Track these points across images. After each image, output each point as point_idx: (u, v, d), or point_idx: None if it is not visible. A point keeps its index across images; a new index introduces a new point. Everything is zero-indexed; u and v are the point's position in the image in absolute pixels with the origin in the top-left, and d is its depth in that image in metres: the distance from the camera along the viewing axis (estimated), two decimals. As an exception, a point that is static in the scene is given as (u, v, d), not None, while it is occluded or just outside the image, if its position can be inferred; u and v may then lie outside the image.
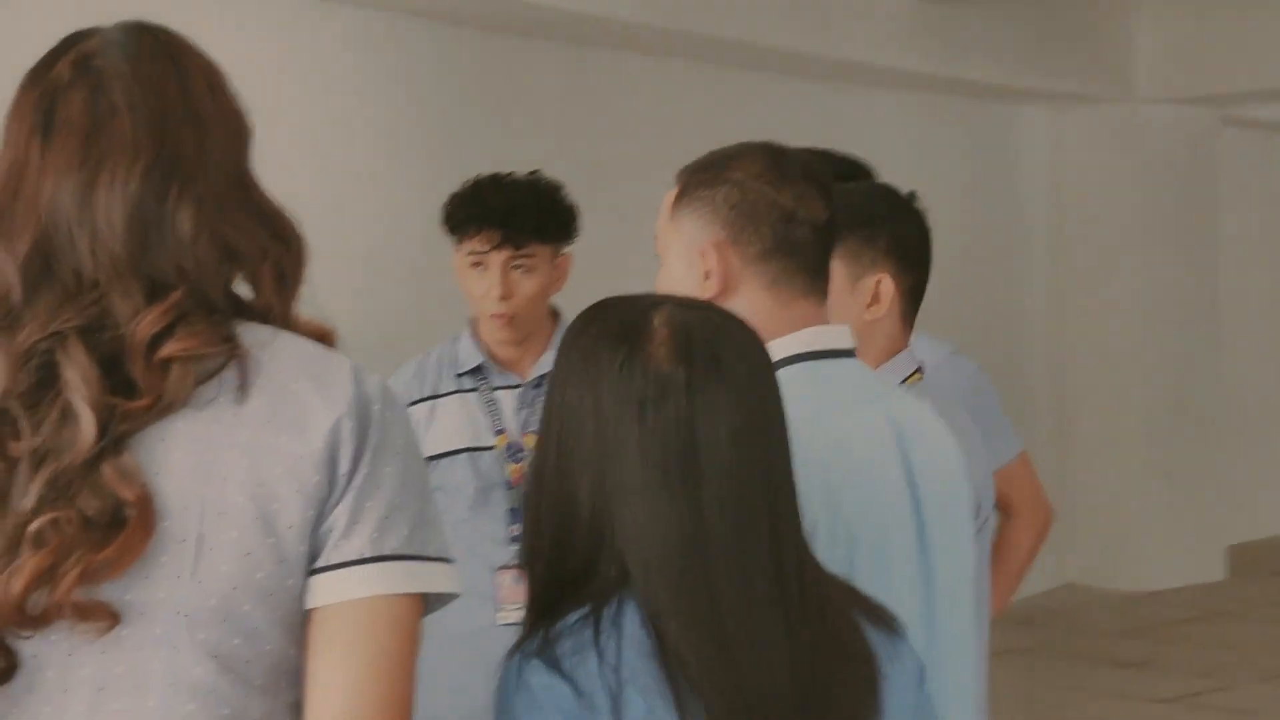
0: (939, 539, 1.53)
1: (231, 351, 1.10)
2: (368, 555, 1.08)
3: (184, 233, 1.10)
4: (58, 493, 1.03)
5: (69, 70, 1.12)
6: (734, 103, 4.90)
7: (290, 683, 1.09)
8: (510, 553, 2.35)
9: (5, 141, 1.13)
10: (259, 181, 1.18)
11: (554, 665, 1.16)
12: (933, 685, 1.37)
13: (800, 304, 1.52)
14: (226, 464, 1.08)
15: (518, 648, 1.18)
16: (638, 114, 4.81)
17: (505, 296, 2.37)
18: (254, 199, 1.17)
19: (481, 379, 2.47)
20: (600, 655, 1.16)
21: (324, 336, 1.18)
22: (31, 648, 1.05)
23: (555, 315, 2.52)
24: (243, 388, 1.09)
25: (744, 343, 1.24)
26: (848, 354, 1.56)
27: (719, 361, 1.21)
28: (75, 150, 1.10)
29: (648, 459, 1.19)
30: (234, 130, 1.17)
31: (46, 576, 1.02)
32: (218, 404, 1.09)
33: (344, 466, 1.09)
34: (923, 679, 1.29)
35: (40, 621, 1.03)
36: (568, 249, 2.50)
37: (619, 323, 1.23)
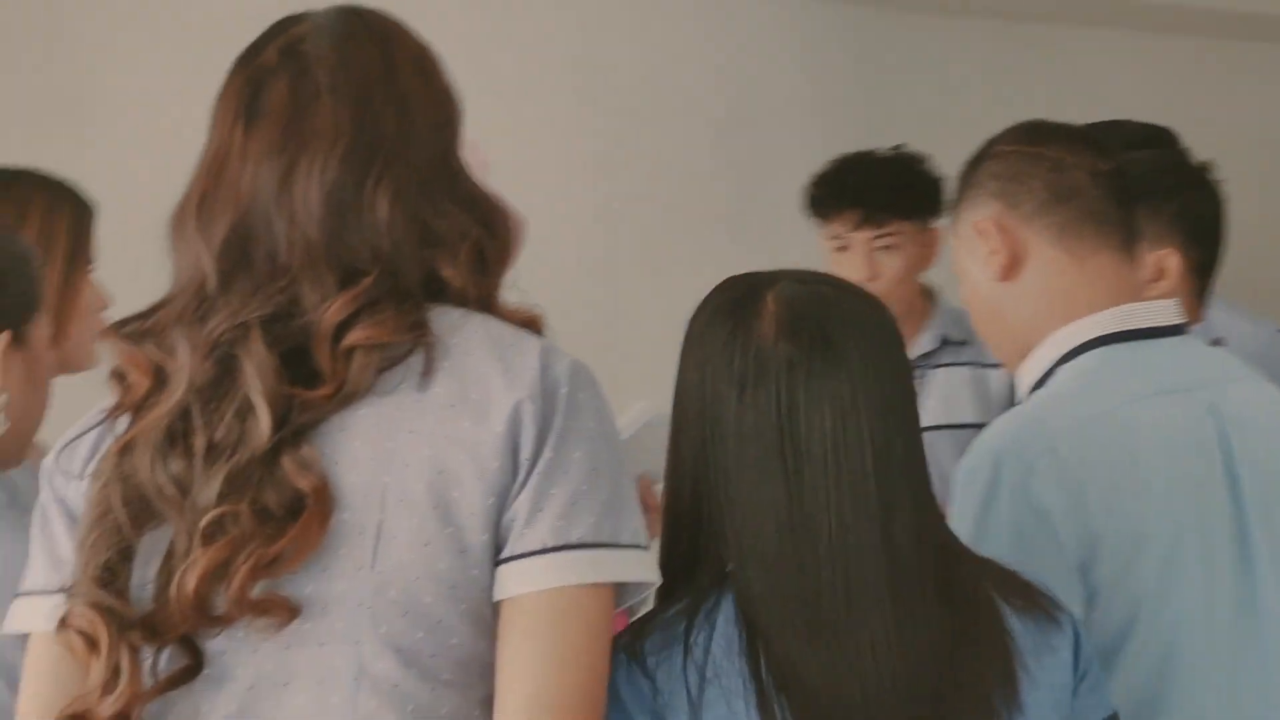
0: (1269, 551, 1.38)
1: (418, 337, 1.07)
2: (550, 545, 1.04)
3: (381, 216, 1.08)
4: (236, 487, 1.02)
5: (276, 55, 1.11)
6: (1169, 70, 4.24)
7: (482, 677, 1.05)
8: None
9: (212, 127, 1.12)
10: (467, 167, 1.16)
11: (639, 661, 1.13)
12: None
13: (1098, 258, 1.42)
14: (407, 451, 1.05)
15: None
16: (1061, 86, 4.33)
17: (871, 278, 2.28)
18: (460, 184, 1.14)
19: None
20: (687, 652, 1.12)
21: (529, 323, 1.15)
22: (218, 645, 1.04)
23: (931, 295, 2.43)
24: (427, 373, 1.06)
25: (861, 319, 1.18)
26: (1171, 331, 1.43)
27: (828, 339, 1.16)
28: (276, 136, 1.09)
29: (745, 440, 1.15)
30: (442, 115, 1.15)
31: (220, 572, 1.01)
32: (401, 390, 1.06)
33: (526, 452, 1.05)
34: (1087, 674, 1.20)
35: (222, 620, 1.02)
36: (937, 223, 2.39)
37: (733, 298, 1.20)
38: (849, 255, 2.33)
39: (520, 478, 1.05)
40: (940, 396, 2.31)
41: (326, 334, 1.05)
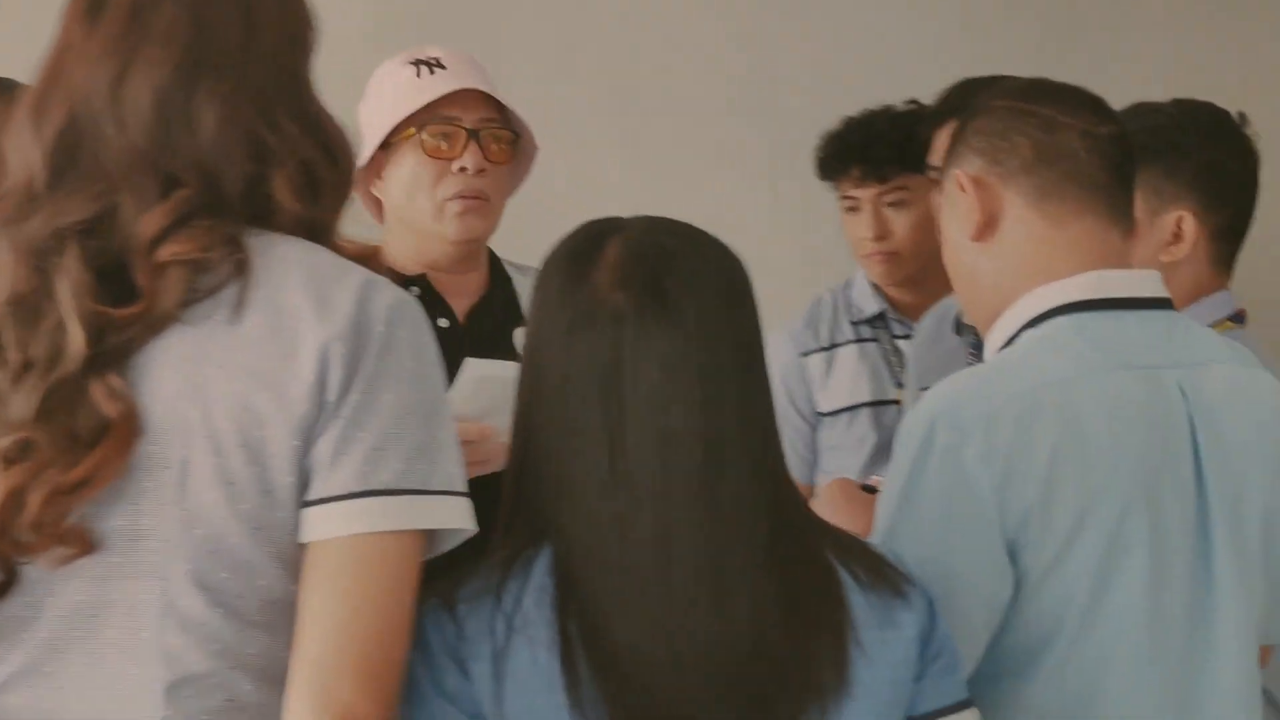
0: (1231, 547, 1.32)
1: (236, 262, 1.06)
2: (354, 490, 1.04)
3: (208, 126, 1.07)
4: (48, 408, 1.02)
5: None
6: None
7: (292, 619, 1.05)
8: None
9: (59, 23, 1.11)
10: (316, 91, 1.14)
11: (449, 607, 1.13)
12: None
13: (1078, 224, 1.35)
14: (214, 386, 1.04)
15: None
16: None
17: (881, 237, 2.20)
18: (303, 103, 1.13)
19: (881, 327, 2.30)
20: (498, 601, 1.13)
21: (365, 256, 1.13)
22: (34, 572, 1.04)
23: None
24: (239, 305, 1.05)
25: (704, 273, 1.16)
26: (1150, 304, 1.37)
27: (662, 291, 1.13)
28: (114, 35, 1.08)
29: (568, 390, 1.14)
30: (291, 32, 1.14)
31: (17, 497, 1.00)
32: (213, 322, 1.05)
33: (332, 393, 1.04)
34: (939, 657, 1.17)
35: (26, 548, 1.02)
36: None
37: (578, 242, 1.18)
38: (860, 215, 2.24)
39: (325, 419, 1.04)
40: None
41: (142, 247, 1.04)
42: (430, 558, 1.10)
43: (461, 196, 1.74)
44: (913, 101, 2.28)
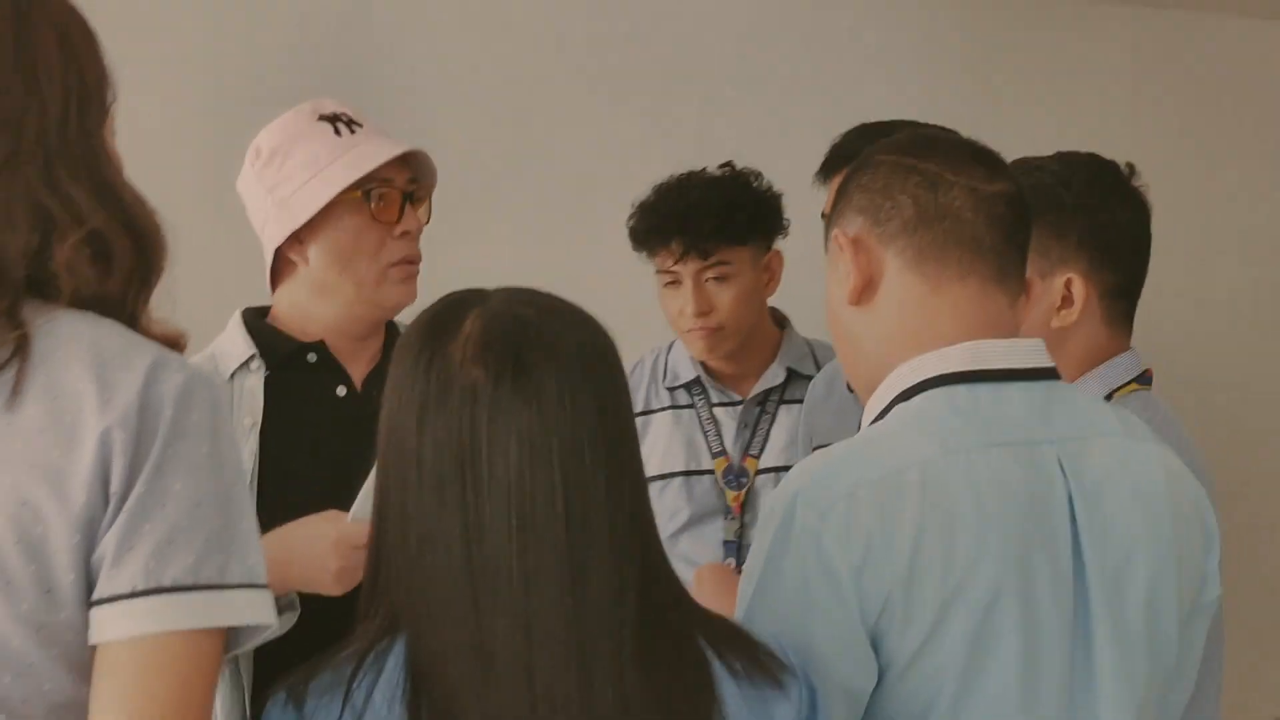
0: (1112, 634, 1.27)
1: (15, 342, 1.02)
2: (140, 588, 1.01)
3: None
4: None
5: None
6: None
7: None
8: None
9: None
10: (115, 159, 1.11)
11: (297, 703, 1.10)
12: None
13: (960, 287, 1.29)
14: None
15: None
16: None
17: (704, 313, 2.11)
18: (95, 167, 1.09)
19: (699, 393, 2.22)
20: (347, 697, 1.09)
21: (168, 339, 1.09)
22: None
23: (781, 322, 2.26)
24: (16, 391, 1.01)
25: (565, 346, 1.12)
26: (1032, 375, 1.31)
27: (521, 365, 1.11)
28: None
29: (423, 471, 1.10)
30: (83, 92, 1.09)
31: None
32: None
33: (116, 484, 1.01)
34: None
35: None
36: (777, 243, 2.22)
37: (437, 314, 1.15)
38: (680, 290, 2.14)
39: (109, 513, 1.01)
40: (786, 436, 2.15)
41: None
42: (232, 654, 1.07)
43: (406, 262, 1.70)
44: (726, 164, 2.21)
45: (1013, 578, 1.23)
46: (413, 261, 1.73)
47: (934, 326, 1.29)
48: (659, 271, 2.16)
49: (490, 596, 1.08)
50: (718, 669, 1.12)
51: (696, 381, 2.21)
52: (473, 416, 1.09)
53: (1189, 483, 1.35)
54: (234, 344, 1.76)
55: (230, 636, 1.07)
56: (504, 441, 1.09)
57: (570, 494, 1.09)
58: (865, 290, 1.32)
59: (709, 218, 2.10)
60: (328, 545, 1.55)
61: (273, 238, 1.70)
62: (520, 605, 1.08)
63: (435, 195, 1.85)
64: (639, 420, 2.14)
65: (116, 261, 1.08)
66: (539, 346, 1.11)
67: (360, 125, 1.73)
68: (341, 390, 1.73)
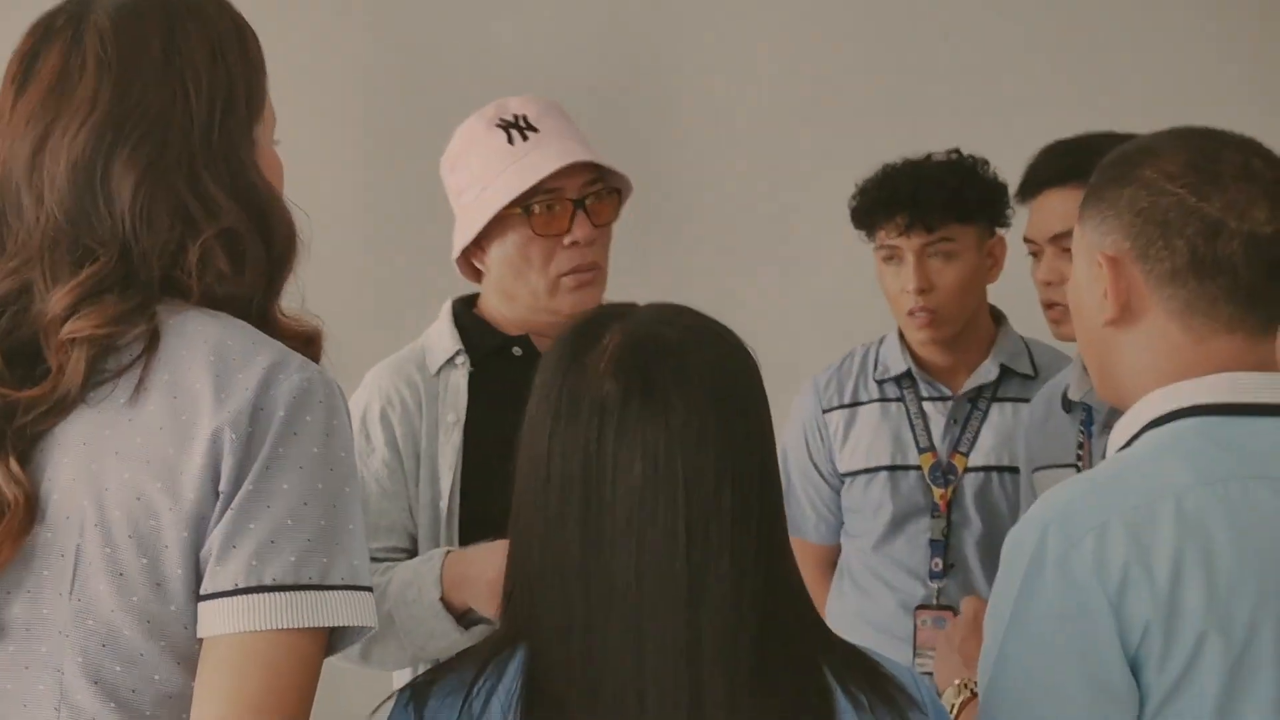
0: None
1: (146, 338, 1.05)
2: (241, 585, 1.02)
3: (124, 196, 1.07)
4: None
5: (62, 20, 1.11)
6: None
7: (189, 715, 1.05)
8: (932, 589, 2.10)
9: None
10: (254, 161, 1.13)
11: (419, 704, 1.12)
12: None
13: (1220, 340, 1.27)
14: (110, 474, 1.05)
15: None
16: None
17: (924, 290, 2.08)
18: (238, 173, 1.11)
19: (909, 386, 2.20)
20: (466, 702, 1.11)
21: (303, 338, 1.12)
22: None
23: (998, 318, 2.22)
24: (140, 387, 1.04)
25: (699, 365, 1.12)
26: None
27: (650, 382, 1.10)
28: (37, 104, 1.09)
29: (551, 480, 1.11)
30: (229, 98, 1.12)
31: None
32: (114, 404, 1.05)
33: (225, 483, 1.03)
34: None
35: None
36: (1001, 231, 2.19)
37: (583, 325, 1.16)
38: (900, 266, 2.12)
39: (218, 510, 1.03)
40: (997, 435, 2.12)
41: (49, 326, 1.05)
42: (333, 655, 1.09)
43: (577, 271, 1.70)
44: (954, 151, 2.19)
45: (1270, 613, 1.20)
46: (586, 269, 1.73)
47: (1190, 370, 1.27)
48: (879, 248, 2.16)
49: (604, 615, 1.09)
50: (841, 701, 1.10)
51: (907, 374, 2.19)
52: (600, 431, 1.10)
53: None
54: (441, 338, 1.80)
55: (334, 637, 1.08)
56: (629, 459, 1.09)
57: (692, 517, 1.09)
58: (1123, 320, 1.29)
59: (939, 192, 2.10)
60: (494, 570, 1.58)
61: (456, 243, 1.75)
62: (634, 627, 1.08)
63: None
64: (845, 412, 2.23)
65: (246, 260, 1.11)
66: (671, 365, 1.11)
67: (536, 130, 1.73)
68: None
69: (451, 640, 1.60)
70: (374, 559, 1.75)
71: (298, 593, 1.03)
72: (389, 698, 1.25)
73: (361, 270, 2.95)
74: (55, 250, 1.08)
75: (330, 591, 1.04)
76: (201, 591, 1.04)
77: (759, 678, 1.08)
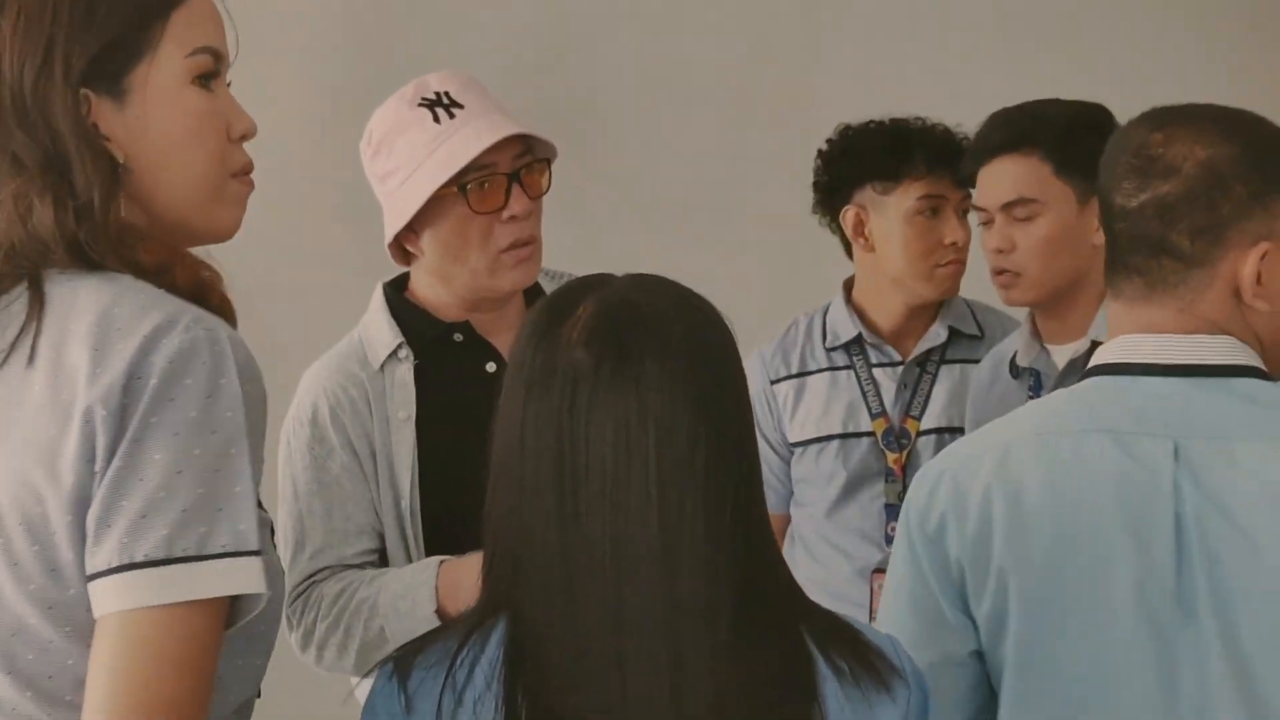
0: (1217, 631, 1.28)
1: (28, 310, 1.07)
2: (115, 564, 1.03)
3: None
4: None
5: None
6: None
7: None
8: (889, 553, 2.09)
9: None
10: (76, 111, 1.15)
11: (402, 676, 1.15)
12: None
13: (1136, 306, 1.37)
14: (2, 454, 1.06)
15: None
16: None
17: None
18: (47, 124, 1.14)
19: (859, 353, 2.22)
20: (449, 673, 1.14)
21: (200, 285, 1.14)
22: None
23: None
24: (30, 362, 1.06)
25: (671, 331, 1.15)
26: (1185, 371, 1.32)
27: (625, 349, 1.13)
28: None
29: (526, 448, 1.14)
30: (43, 60, 1.15)
31: None
32: (8, 373, 1.07)
33: (100, 461, 1.03)
34: None
35: None
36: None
37: (559, 297, 1.19)
38: (940, 218, 2.13)
39: (93, 490, 1.04)
40: (947, 396, 2.17)
41: None
42: (233, 626, 1.08)
43: (515, 246, 1.71)
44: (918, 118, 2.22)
45: (1070, 556, 1.29)
46: (525, 244, 1.74)
47: (1119, 334, 1.36)
48: (922, 198, 2.14)
49: (584, 581, 1.10)
50: (821, 667, 1.13)
51: (857, 340, 2.20)
52: (573, 400, 1.12)
53: None
54: (380, 330, 1.80)
55: (235, 606, 1.08)
56: (601, 426, 1.11)
57: (665, 484, 1.11)
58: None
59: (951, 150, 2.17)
60: (430, 585, 1.66)
61: (388, 229, 1.75)
62: (613, 593, 1.10)
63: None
64: (793, 383, 2.25)
65: (82, 204, 1.11)
66: (645, 333, 1.13)
67: (462, 106, 1.73)
68: (491, 366, 1.77)
69: None
70: (349, 565, 1.80)
71: (171, 566, 1.03)
72: (369, 672, 1.28)
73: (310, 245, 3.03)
74: None
75: (209, 561, 1.04)
76: (87, 573, 1.04)
77: (739, 643, 1.10)
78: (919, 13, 3.36)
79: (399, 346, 1.78)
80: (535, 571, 1.13)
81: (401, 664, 1.16)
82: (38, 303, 1.09)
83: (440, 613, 1.63)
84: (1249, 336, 1.36)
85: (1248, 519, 1.28)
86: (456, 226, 1.72)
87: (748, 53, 3.36)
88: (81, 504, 1.05)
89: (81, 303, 1.09)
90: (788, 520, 2.25)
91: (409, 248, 1.77)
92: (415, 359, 1.78)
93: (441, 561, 1.67)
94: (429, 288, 1.80)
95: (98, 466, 1.04)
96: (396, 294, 1.83)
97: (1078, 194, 1.89)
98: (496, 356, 1.79)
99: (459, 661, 1.13)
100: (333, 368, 1.81)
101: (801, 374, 2.25)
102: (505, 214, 1.70)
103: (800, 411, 2.23)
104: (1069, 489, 1.31)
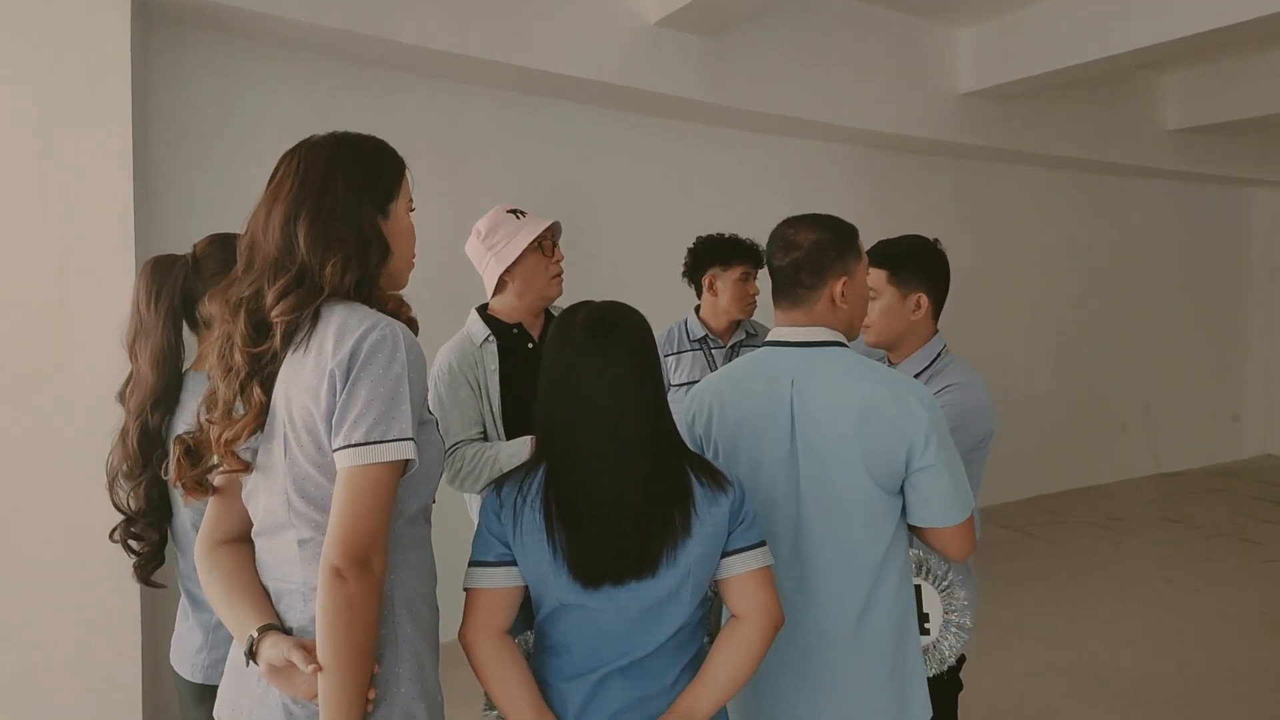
0: (809, 473, 1.87)
1: (309, 321, 1.45)
2: (341, 444, 1.45)
3: (302, 238, 1.51)
4: (236, 393, 1.50)
5: (293, 149, 1.59)
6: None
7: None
8: None
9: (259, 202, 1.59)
10: (372, 213, 1.58)
11: (498, 489, 1.65)
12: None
13: (782, 313, 2.01)
14: (295, 400, 1.48)
15: None
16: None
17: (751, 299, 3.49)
18: (358, 225, 1.55)
19: (703, 343, 3.61)
20: (519, 488, 1.63)
21: (394, 301, 1.56)
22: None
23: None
24: (306, 348, 1.47)
25: (625, 325, 1.63)
26: (800, 344, 1.92)
27: (603, 336, 1.60)
28: (269, 194, 1.56)
29: (553, 383, 1.63)
30: (359, 182, 1.58)
31: (216, 434, 1.51)
32: (297, 356, 1.47)
33: (336, 396, 1.45)
34: (743, 521, 1.68)
35: (224, 457, 1.53)
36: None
37: (569, 311, 1.66)
38: (748, 284, 3.49)
39: (334, 409, 1.45)
40: None
41: (268, 310, 1.50)
42: (405, 474, 1.51)
43: (558, 275, 2.74)
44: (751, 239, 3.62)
45: (747, 436, 1.89)
46: (560, 274, 2.71)
47: (781, 327, 1.98)
48: (743, 275, 3.47)
49: (584, 441, 1.58)
50: (692, 478, 1.64)
51: (704, 337, 3.62)
52: (576, 357, 1.60)
53: (887, 403, 1.86)
54: (478, 327, 2.72)
55: (403, 467, 1.47)
56: (589, 371, 1.59)
57: (621, 396, 1.59)
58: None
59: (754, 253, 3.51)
60: (527, 450, 2.43)
61: (493, 273, 2.72)
62: (597, 444, 1.58)
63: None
64: (674, 357, 3.62)
65: (351, 268, 1.51)
66: (611, 325, 1.62)
67: (525, 213, 2.69)
68: (530, 346, 2.71)
69: None
70: (471, 440, 2.64)
71: (369, 446, 1.44)
72: (482, 492, 1.93)
73: (435, 281, 3.78)
74: (273, 269, 1.52)
75: (388, 444, 1.45)
76: (331, 447, 1.47)
77: (656, 466, 1.62)
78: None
79: (488, 336, 2.69)
80: (560, 439, 1.62)
81: (498, 484, 1.65)
82: (314, 320, 1.47)
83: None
84: (839, 326, 1.95)
85: (819, 410, 1.86)
86: (535, 265, 2.66)
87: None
88: (329, 415, 1.45)
89: (332, 318, 1.48)
90: None
91: (506, 279, 2.69)
92: (496, 341, 2.67)
93: (530, 437, 2.49)
94: (504, 304, 2.69)
95: (336, 399, 1.44)
96: (483, 310, 2.76)
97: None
98: (533, 340, 2.72)
99: (524, 484, 1.61)
100: (455, 344, 2.72)
101: (679, 352, 3.59)
102: (553, 259, 2.69)
103: (678, 371, 3.58)
104: (744, 402, 1.86)
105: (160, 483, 2.06)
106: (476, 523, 1.74)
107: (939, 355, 2.46)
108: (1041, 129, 6.95)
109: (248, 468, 1.58)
